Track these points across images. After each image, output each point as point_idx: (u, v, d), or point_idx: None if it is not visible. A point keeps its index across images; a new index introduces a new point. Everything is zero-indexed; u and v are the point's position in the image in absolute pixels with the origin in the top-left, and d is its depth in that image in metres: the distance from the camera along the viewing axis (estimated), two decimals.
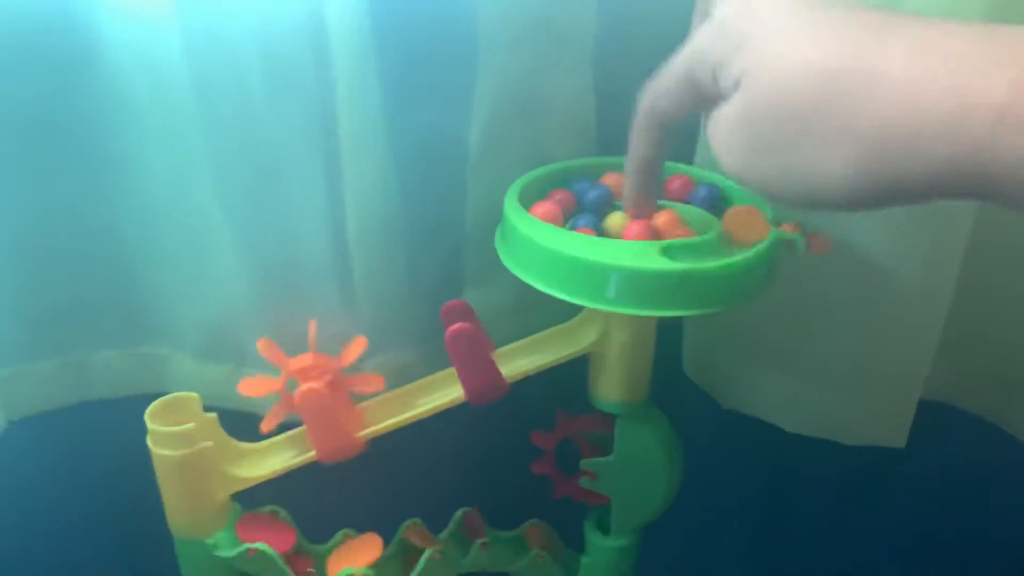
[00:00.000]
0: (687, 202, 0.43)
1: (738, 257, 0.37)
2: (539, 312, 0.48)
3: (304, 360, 0.43)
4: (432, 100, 0.44)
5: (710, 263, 0.36)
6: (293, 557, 0.45)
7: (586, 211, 0.42)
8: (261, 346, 0.43)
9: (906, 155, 0.26)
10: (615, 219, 0.41)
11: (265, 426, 0.43)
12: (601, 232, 0.41)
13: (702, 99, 0.32)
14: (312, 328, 0.43)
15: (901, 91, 0.26)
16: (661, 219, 0.40)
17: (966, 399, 0.53)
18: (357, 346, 0.45)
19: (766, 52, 0.29)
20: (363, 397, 0.45)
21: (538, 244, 0.38)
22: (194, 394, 0.43)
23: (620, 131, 0.38)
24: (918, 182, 0.26)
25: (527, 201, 0.42)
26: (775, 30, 0.29)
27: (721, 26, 0.31)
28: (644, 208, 0.40)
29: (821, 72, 0.27)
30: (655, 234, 0.39)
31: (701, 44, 0.32)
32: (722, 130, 0.31)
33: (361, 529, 0.48)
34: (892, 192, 0.27)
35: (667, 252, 0.37)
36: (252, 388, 0.43)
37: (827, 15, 0.29)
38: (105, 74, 0.42)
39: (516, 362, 0.44)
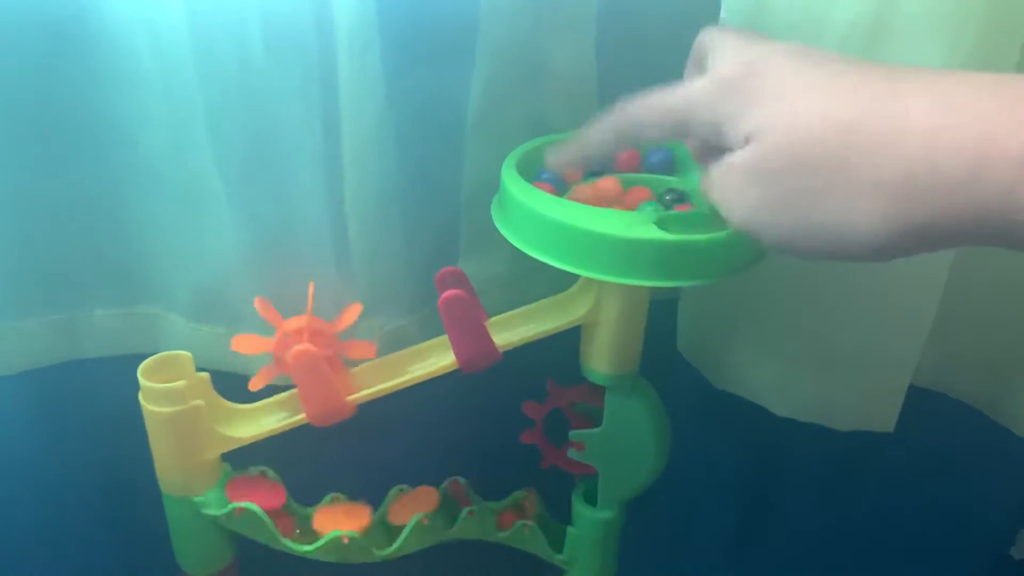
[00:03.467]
0: (640, 170, 0.44)
1: (730, 229, 0.37)
2: (532, 283, 0.48)
3: (298, 321, 0.43)
4: (432, 64, 0.44)
5: (703, 234, 0.37)
6: (278, 516, 0.46)
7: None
8: (258, 304, 0.43)
9: (931, 207, 0.26)
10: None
11: (254, 384, 0.43)
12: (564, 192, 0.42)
13: (687, 140, 0.32)
14: (311, 290, 0.43)
15: (922, 143, 0.26)
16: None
17: (955, 386, 0.54)
18: (352, 312, 0.45)
19: (781, 107, 0.29)
20: (355, 362, 0.45)
21: (534, 212, 0.38)
22: (187, 353, 0.43)
23: None
24: (943, 232, 0.26)
25: (524, 171, 0.42)
26: (788, 85, 0.29)
27: (725, 83, 0.31)
28: (562, 171, 0.41)
29: (841, 125, 0.27)
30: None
31: (701, 97, 0.31)
32: (732, 184, 0.31)
33: (349, 493, 0.48)
34: (917, 243, 0.27)
35: (661, 223, 0.37)
36: (245, 346, 0.43)
37: (836, 68, 0.29)
38: (103, 32, 0.42)
39: (509, 331, 0.44)
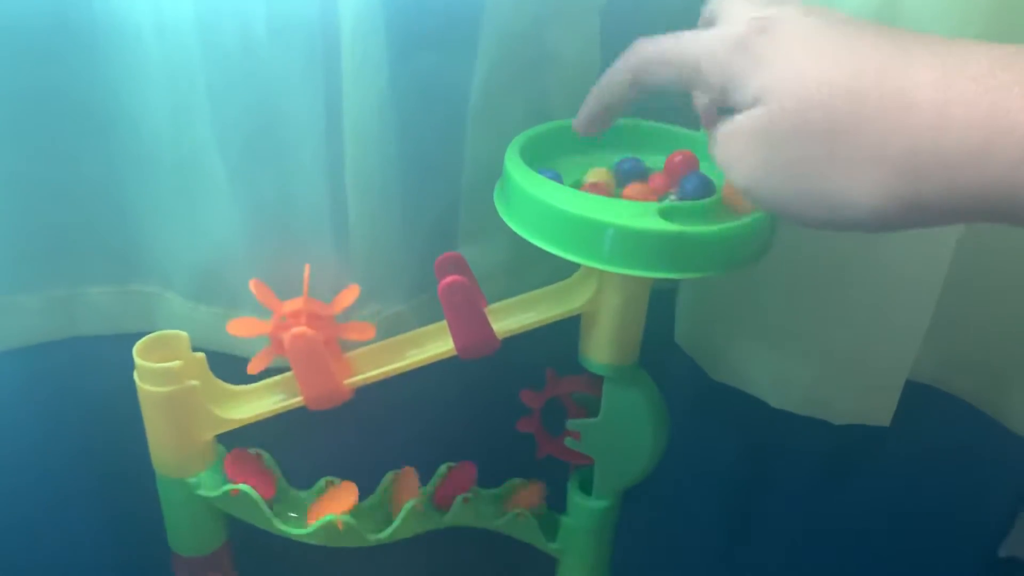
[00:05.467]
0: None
1: (735, 222, 0.37)
2: (532, 271, 0.48)
3: (296, 304, 0.43)
4: (436, 50, 0.44)
5: (707, 226, 0.36)
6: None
7: None
8: (253, 286, 0.43)
9: (936, 181, 0.26)
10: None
11: (252, 367, 0.43)
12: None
13: (697, 92, 0.32)
14: (306, 272, 0.43)
15: (930, 116, 0.25)
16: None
17: (952, 382, 0.54)
18: (349, 294, 0.44)
19: (790, 70, 0.28)
20: (353, 345, 0.45)
21: (537, 200, 0.38)
22: (183, 332, 0.43)
23: None
24: (946, 207, 0.26)
25: (528, 157, 0.42)
26: (798, 48, 0.28)
27: (738, 40, 0.30)
28: (590, 131, 0.39)
29: (849, 93, 0.27)
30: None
31: (714, 49, 0.31)
32: (737, 145, 0.30)
33: (344, 478, 0.48)
34: (918, 217, 0.27)
35: (665, 213, 0.37)
36: (242, 329, 0.43)
37: (848, 32, 0.28)
38: (106, 12, 0.41)
39: (508, 319, 0.44)
